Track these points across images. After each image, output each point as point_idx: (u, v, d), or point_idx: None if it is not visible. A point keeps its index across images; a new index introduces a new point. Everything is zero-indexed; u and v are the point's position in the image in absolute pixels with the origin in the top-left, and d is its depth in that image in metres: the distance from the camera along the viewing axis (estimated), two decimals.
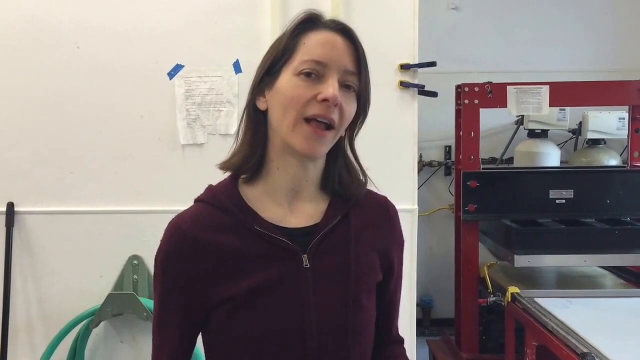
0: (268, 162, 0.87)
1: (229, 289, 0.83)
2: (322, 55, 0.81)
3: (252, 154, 0.86)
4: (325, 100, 0.80)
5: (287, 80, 0.82)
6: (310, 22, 0.85)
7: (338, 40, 0.83)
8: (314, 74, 0.81)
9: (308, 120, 0.81)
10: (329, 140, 0.83)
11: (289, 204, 0.88)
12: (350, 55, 0.83)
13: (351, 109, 0.84)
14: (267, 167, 0.87)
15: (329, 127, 0.82)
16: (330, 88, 0.80)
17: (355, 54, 0.84)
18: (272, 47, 0.87)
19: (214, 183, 0.91)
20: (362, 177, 0.91)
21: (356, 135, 0.91)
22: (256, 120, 0.87)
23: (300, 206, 0.88)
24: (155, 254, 0.87)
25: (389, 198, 0.97)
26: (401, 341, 1.00)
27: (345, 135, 0.89)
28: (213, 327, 0.85)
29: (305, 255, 0.84)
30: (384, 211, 0.94)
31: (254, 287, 0.82)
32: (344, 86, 0.83)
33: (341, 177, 0.89)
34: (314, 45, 0.82)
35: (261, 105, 0.86)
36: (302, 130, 0.81)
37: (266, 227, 0.84)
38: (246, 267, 0.83)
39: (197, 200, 0.90)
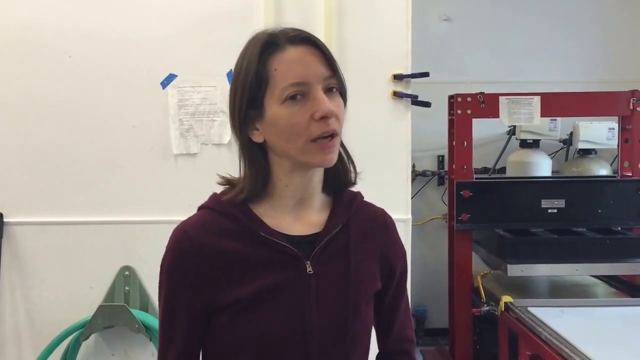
0: (275, 181, 0.88)
1: (233, 293, 0.84)
2: (298, 76, 0.82)
3: (257, 184, 0.87)
4: (323, 117, 0.81)
5: (277, 111, 0.82)
6: (272, 44, 0.84)
7: (305, 52, 0.83)
8: (299, 95, 0.82)
9: (314, 139, 0.82)
10: (338, 145, 0.86)
11: (295, 212, 0.90)
12: (321, 61, 0.84)
13: (341, 108, 0.86)
14: (274, 185, 0.89)
15: (334, 135, 0.84)
16: (323, 103, 0.81)
17: (324, 57, 0.84)
18: (239, 76, 0.85)
19: (213, 191, 0.91)
20: (352, 166, 0.93)
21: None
22: (255, 153, 0.87)
23: (305, 214, 0.90)
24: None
25: (383, 207, 0.99)
26: (413, 341, 1.00)
27: None
28: (215, 330, 0.87)
29: (308, 262, 0.86)
30: (381, 222, 0.97)
31: (257, 291, 0.84)
32: (327, 90, 0.84)
33: (337, 170, 0.91)
34: (286, 68, 0.82)
35: (257, 138, 0.86)
36: (311, 149, 0.83)
37: (271, 233, 0.86)
38: (251, 272, 0.85)
39: (201, 207, 0.91)
